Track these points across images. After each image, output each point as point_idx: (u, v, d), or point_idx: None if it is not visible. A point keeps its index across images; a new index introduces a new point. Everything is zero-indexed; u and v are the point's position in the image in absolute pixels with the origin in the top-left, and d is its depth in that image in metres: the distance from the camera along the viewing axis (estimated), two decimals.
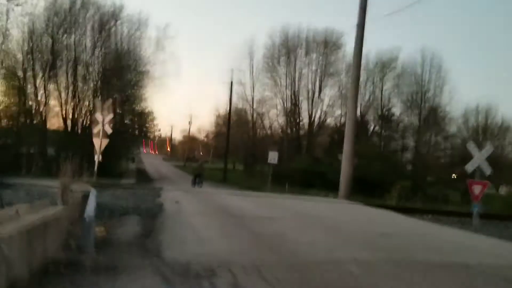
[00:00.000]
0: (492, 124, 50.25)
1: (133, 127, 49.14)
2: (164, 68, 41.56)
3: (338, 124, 54.23)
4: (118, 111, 38.24)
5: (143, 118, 49.07)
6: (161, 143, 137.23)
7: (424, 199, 26.33)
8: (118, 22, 38.03)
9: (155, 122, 54.08)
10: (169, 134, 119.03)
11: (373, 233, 8.57)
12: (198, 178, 27.09)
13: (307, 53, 52.87)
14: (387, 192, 26.34)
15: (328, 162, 50.21)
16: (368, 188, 38.91)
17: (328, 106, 54.00)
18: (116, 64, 37.52)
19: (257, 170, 56.75)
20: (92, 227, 5.88)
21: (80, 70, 36.75)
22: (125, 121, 45.12)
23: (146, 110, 48.29)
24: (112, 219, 8.94)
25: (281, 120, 56.80)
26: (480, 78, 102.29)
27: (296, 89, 53.29)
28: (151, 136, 71.15)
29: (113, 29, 37.87)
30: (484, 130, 49.45)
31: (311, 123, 53.42)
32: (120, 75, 37.79)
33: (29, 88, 35.40)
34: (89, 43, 37.06)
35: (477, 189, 15.26)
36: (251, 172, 57.69)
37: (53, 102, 36.98)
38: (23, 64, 34.68)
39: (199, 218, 8.56)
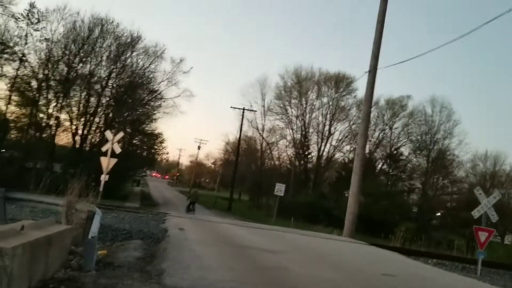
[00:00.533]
0: (500, 171, 49.81)
1: (141, 148, 49.33)
2: (176, 99, 41.91)
3: (346, 160, 54.19)
4: (127, 130, 38.45)
5: (152, 140, 49.24)
6: (168, 166, 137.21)
7: (429, 243, 25.94)
8: (134, 53, 38.52)
9: (163, 145, 54.19)
10: (176, 158, 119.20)
11: (375, 273, 8.46)
12: (192, 204, 28.34)
13: (319, 88, 53.33)
14: (392, 233, 26.01)
15: (334, 198, 49.98)
16: (373, 227, 38.49)
17: (338, 141, 54.06)
18: (129, 94, 37.87)
19: (262, 201, 56.47)
20: (94, 248, 5.87)
21: (94, 86, 37.16)
22: (134, 141, 45.33)
23: (156, 132, 48.52)
24: (115, 242, 8.93)
25: (290, 151, 56.88)
26: (490, 124, 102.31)
27: (307, 121, 53.47)
28: (159, 159, 71.37)
29: (128, 60, 38.35)
30: (492, 176, 48.96)
31: (319, 156, 53.37)
32: (132, 104, 38.14)
33: (41, 100, 35.76)
34: (103, 74, 37.57)
35: (482, 236, 15.03)
36: (256, 203, 57.41)
37: (63, 116, 37.33)
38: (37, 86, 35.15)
39: (203, 247, 8.50)
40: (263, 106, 55.79)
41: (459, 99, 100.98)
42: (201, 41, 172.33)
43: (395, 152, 53.29)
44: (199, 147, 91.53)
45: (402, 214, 42.58)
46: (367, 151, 46.62)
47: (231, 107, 52.46)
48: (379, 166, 55.56)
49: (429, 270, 11.12)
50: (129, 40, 37.65)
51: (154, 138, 49.17)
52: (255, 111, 54.37)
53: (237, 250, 9.02)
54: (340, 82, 52.39)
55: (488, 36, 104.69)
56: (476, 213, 15.90)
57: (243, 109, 50.87)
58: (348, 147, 54.31)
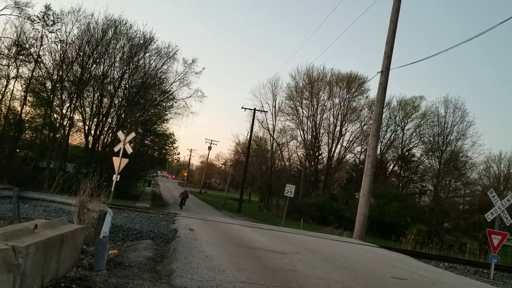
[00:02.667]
0: None
1: (152, 148, 49.64)
2: (188, 99, 42.09)
3: (357, 161, 53.93)
4: (139, 130, 38.69)
5: (163, 140, 49.53)
6: (178, 167, 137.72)
7: (441, 246, 25.69)
8: (147, 54, 38.72)
9: (174, 145, 54.48)
10: (187, 159, 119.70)
11: (385, 276, 8.42)
12: (183, 200, 37.36)
13: (330, 88, 53.07)
14: (403, 235, 25.84)
15: (344, 200, 49.81)
16: (384, 229, 38.32)
17: (348, 142, 53.79)
18: (141, 95, 38.10)
19: (272, 202, 56.42)
20: (106, 248, 5.93)
21: (107, 87, 37.48)
22: (145, 142, 45.61)
23: (167, 132, 48.76)
24: (126, 242, 9.01)
25: (301, 152, 56.72)
26: (504, 125, 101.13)
27: (318, 122, 53.28)
28: (170, 160, 71.64)
29: (141, 61, 38.56)
30: (506, 178, 48.29)
31: (330, 157, 53.13)
32: (144, 105, 38.37)
33: (55, 101, 36.15)
34: (116, 75, 37.83)
35: (496, 239, 14.88)
36: (266, 204, 57.39)
37: (76, 117, 37.74)
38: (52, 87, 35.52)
39: (212, 247, 8.54)
40: (274, 107, 55.76)
41: (473, 100, 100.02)
42: (213, 42, 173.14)
43: (406, 153, 52.90)
44: (209, 148, 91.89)
45: (413, 217, 42.25)
46: (378, 152, 46.38)
47: (242, 108, 52.47)
48: (391, 167, 55.23)
49: (441, 274, 11.03)
50: (142, 41, 37.92)
51: (165, 139, 49.48)
52: (266, 111, 54.37)
53: (247, 251, 9.04)
54: (352, 83, 52.10)
55: (503, 35, 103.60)
56: (489, 216, 15.75)
57: (254, 109, 50.81)
58: (359, 148, 54.04)
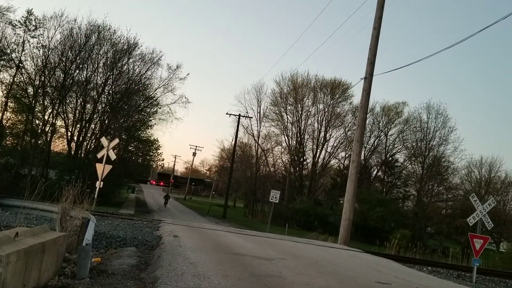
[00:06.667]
0: (495, 178, 49.82)
1: (137, 154, 49.25)
2: (172, 105, 41.85)
3: (341, 167, 54.22)
4: (123, 136, 38.31)
5: (147, 146, 49.16)
6: (163, 173, 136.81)
7: (424, 250, 25.93)
8: (131, 60, 38.37)
9: (159, 151, 54.10)
10: (171, 165, 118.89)
11: (369, 281, 8.46)
12: (166, 200, 47.76)
13: (314, 94, 53.35)
14: (387, 240, 26.03)
15: (329, 205, 50.02)
16: (368, 234, 38.55)
17: (333, 148, 54.07)
18: (125, 101, 37.73)
19: (257, 208, 56.40)
20: (89, 255, 5.85)
21: (90, 93, 37.05)
22: (129, 148, 45.21)
23: (151, 138, 48.43)
24: (109, 249, 8.90)
25: (285, 158, 56.86)
26: (485, 131, 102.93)
27: (302, 127, 53.48)
28: (154, 166, 71.09)
29: (125, 66, 38.18)
30: (487, 183, 49.03)
31: (314, 163, 53.34)
32: (128, 110, 38.02)
33: (37, 107, 35.61)
34: (100, 80, 37.41)
35: (478, 243, 15.09)
36: (251, 210, 57.34)
37: (58, 123, 37.19)
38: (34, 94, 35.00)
39: (197, 254, 8.48)
40: (259, 113, 55.88)
41: (455, 106, 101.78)
42: (198, 48, 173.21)
43: (390, 158, 53.40)
44: (194, 154, 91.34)
45: (397, 221, 42.63)
46: (362, 157, 46.74)
47: (227, 114, 52.48)
48: (374, 173, 55.67)
49: (424, 278, 11.13)
50: (125, 47, 37.58)
51: (149, 145, 49.13)
52: (251, 117, 54.46)
53: (232, 257, 9.01)
54: (336, 89, 52.48)
55: (483, 43, 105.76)
56: (471, 220, 15.97)
57: (239, 115, 50.81)
58: (343, 154, 54.37)
